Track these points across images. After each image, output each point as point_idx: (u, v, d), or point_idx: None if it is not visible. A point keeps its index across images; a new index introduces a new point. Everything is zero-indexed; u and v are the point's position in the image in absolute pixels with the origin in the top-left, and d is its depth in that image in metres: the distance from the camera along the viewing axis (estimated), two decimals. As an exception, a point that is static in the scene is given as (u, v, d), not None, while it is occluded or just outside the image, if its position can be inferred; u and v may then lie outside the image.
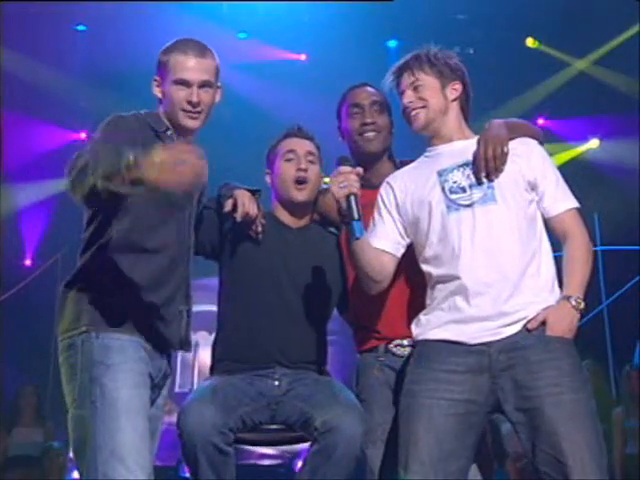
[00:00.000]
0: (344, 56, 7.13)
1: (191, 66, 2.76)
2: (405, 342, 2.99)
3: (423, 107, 2.86)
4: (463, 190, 2.78)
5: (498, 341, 2.67)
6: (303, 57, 8.09)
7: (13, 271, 7.76)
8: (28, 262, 8.15)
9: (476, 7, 7.21)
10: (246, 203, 3.01)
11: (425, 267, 2.83)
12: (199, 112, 2.78)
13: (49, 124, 6.42)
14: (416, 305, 2.92)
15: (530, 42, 7.73)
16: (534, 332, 2.65)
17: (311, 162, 3.16)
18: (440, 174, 2.82)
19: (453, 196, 2.79)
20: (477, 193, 2.76)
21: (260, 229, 3.08)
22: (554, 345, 2.64)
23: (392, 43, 7.99)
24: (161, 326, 2.71)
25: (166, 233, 2.71)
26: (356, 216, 2.65)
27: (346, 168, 2.73)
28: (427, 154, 2.93)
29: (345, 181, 2.70)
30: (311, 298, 3.10)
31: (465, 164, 2.81)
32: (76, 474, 2.71)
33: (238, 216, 3.00)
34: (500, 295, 2.68)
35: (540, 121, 7.98)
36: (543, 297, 2.70)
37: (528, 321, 2.65)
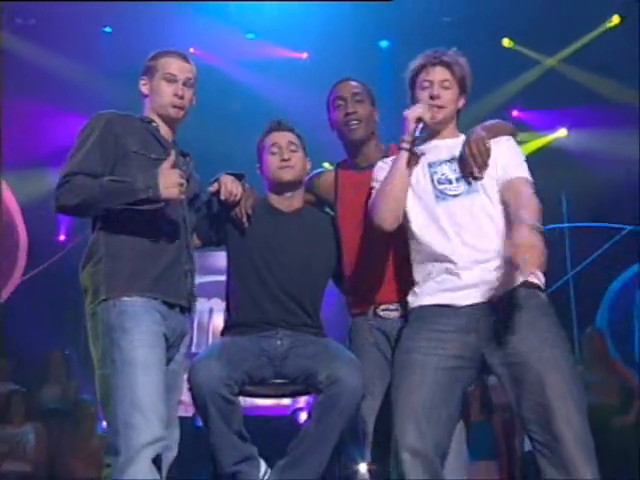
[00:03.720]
0: (341, 54, 7.08)
1: (177, 65, 2.91)
2: (392, 306, 3.01)
3: (441, 107, 2.86)
4: (450, 182, 2.80)
5: (483, 304, 2.69)
6: (305, 55, 8.05)
7: (48, 246, 7.76)
8: (62, 237, 8.14)
9: (459, 10, 7.18)
10: (229, 184, 3.04)
11: (415, 246, 2.84)
12: (183, 105, 2.88)
13: (76, 114, 6.38)
14: (401, 274, 2.96)
15: (506, 42, 7.70)
16: (516, 297, 2.66)
17: (293, 151, 3.15)
18: (430, 166, 2.84)
19: (441, 187, 2.81)
20: (463, 185, 2.78)
21: (247, 210, 3.08)
22: (533, 309, 2.66)
23: (384, 43, 7.95)
24: (170, 285, 2.73)
25: (158, 210, 2.73)
26: (417, 133, 2.72)
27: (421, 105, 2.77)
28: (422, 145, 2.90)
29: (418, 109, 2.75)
30: (306, 271, 3.10)
31: (452, 159, 2.83)
32: (105, 422, 2.73)
33: (222, 195, 3.03)
34: (485, 267, 2.70)
35: (514, 112, 7.99)
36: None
37: (510, 286, 2.66)
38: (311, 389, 2.98)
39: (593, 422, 5.25)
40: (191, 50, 7.41)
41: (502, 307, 2.67)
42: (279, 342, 3.02)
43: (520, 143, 3.02)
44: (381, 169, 2.93)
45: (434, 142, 2.90)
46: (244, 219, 3.09)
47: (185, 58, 2.94)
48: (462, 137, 2.88)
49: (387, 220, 2.78)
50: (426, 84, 2.85)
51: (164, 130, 2.89)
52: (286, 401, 7.06)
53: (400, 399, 2.68)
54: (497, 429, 6.23)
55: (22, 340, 6.77)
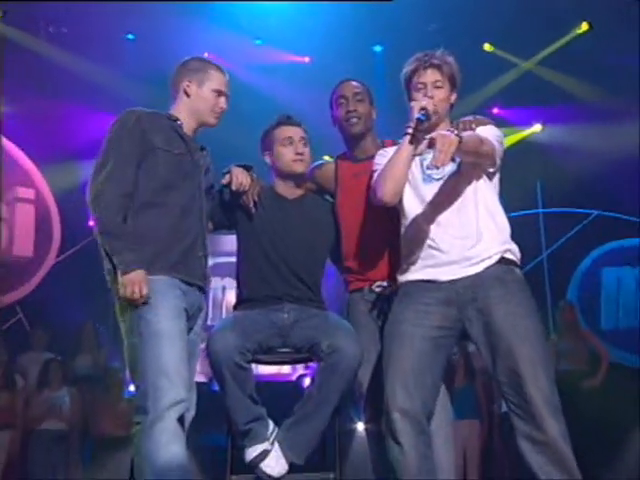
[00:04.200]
0: (340, 58, 7.06)
1: (225, 82, 2.92)
2: (384, 283, 3.01)
3: (436, 105, 2.82)
4: (437, 167, 2.76)
5: (463, 279, 2.69)
6: (307, 59, 8.02)
7: (81, 230, 7.75)
8: (91, 223, 8.10)
9: (444, 18, 7.13)
10: (239, 176, 3.02)
11: (404, 224, 2.83)
12: (222, 115, 2.92)
13: (103, 113, 6.37)
14: (392, 255, 2.97)
15: (487, 47, 7.66)
16: (493, 272, 2.67)
17: (304, 145, 3.12)
18: (421, 153, 2.80)
19: (428, 171, 2.80)
20: (447, 168, 2.75)
21: (254, 197, 3.06)
22: (509, 284, 2.67)
23: (378, 48, 7.91)
24: (188, 267, 2.74)
25: (180, 194, 2.76)
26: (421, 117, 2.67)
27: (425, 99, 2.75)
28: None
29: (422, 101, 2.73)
30: (307, 251, 3.10)
31: None
32: (132, 387, 2.74)
33: (233, 186, 3.01)
34: (465, 245, 2.70)
35: (495, 110, 7.94)
36: (499, 243, 2.72)
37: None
38: (314, 357, 2.99)
39: (565, 385, 5.36)
40: (205, 54, 7.37)
41: (480, 282, 2.68)
42: (286, 315, 3.02)
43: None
44: (381, 156, 2.92)
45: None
46: (251, 205, 3.07)
47: (227, 74, 2.95)
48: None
49: (388, 194, 2.75)
50: (420, 86, 2.83)
51: (187, 128, 2.87)
52: (286, 369, 7.08)
53: (390, 366, 2.71)
54: (479, 392, 6.26)
55: (58, 314, 6.78)
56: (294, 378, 7.14)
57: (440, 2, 7.16)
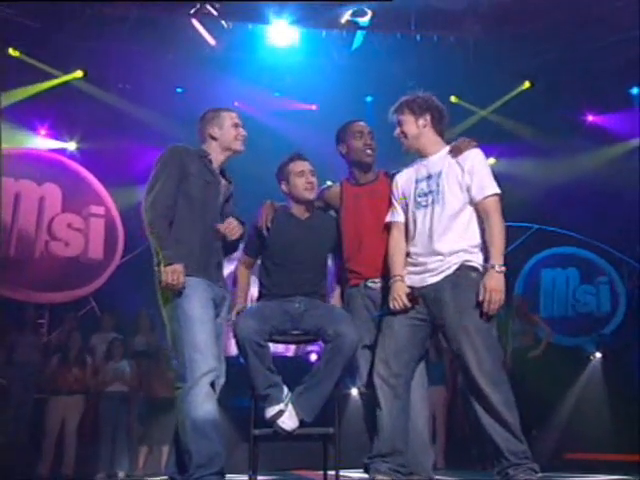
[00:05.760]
0: (339, 106, 7.04)
1: (238, 116, 2.95)
2: (377, 280, 2.95)
3: (405, 137, 2.80)
4: (425, 195, 2.73)
5: (429, 285, 2.67)
6: (314, 107, 8.01)
7: (139, 239, 7.72)
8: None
9: (419, 76, 7.11)
10: (231, 225, 2.84)
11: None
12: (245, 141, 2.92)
13: (155, 148, 6.39)
14: (382, 257, 2.90)
15: (453, 99, 7.65)
16: (451, 278, 2.62)
17: (312, 175, 3.08)
18: (416, 182, 2.78)
19: (419, 199, 2.75)
20: (430, 197, 2.72)
21: (267, 224, 3.03)
22: (462, 286, 2.62)
23: (369, 98, 7.91)
24: (208, 271, 2.73)
25: (205, 213, 2.76)
26: None
27: None
28: (417, 162, 2.84)
29: None
30: (313, 258, 3.07)
31: (430, 176, 2.74)
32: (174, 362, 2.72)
33: (223, 230, 2.84)
34: (431, 260, 2.67)
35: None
36: (460, 256, 2.66)
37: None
38: (319, 339, 2.97)
39: (518, 357, 5.39)
40: (235, 104, 7.40)
41: (440, 287, 2.65)
42: (297, 305, 3.00)
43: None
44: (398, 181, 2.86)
45: (423, 161, 2.81)
46: (264, 231, 3.05)
47: (235, 111, 2.97)
48: (442, 152, 2.77)
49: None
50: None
51: (216, 162, 2.87)
52: (281, 347, 6.93)
53: (377, 346, 2.74)
54: (446, 366, 6.24)
55: (121, 303, 6.77)
56: (290, 354, 7.09)
57: (416, 63, 7.20)
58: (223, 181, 2.89)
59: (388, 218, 2.87)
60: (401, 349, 2.67)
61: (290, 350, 7.02)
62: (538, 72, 7.44)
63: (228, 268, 3.96)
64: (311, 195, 3.07)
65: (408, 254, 2.77)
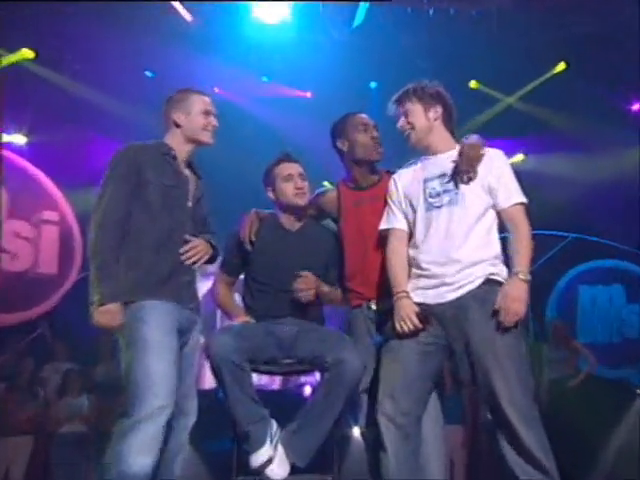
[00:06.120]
0: (339, 93, 7.08)
1: (210, 102, 2.91)
2: (379, 302, 2.97)
3: (412, 129, 2.82)
4: (438, 195, 2.75)
5: (448, 302, 2.67)
6: (309, 94, 8.05)
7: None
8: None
9: (433, 57, 7.17)
10: (198, 247, 2.83)
11: (410, 245, 2.80)
12: (215, 131, 2.89)
13: (122, 141, 6.41)
14: (387, 276, 2.90)
15: (473, 84, 7.69)
16: (475, 294, 2.64)
17: (303, 179, 3.12)
18: (425, 181, 2.79)
19: (431, 199, 2.76)
20: (446, 197, 2.73)
21: (252, 238, 3.07)
22: (489, 304, 2.63)
23: (373, 84, 7.95)
24: (174, 291, 2.71)
25: (168, 224, 2.73)
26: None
27: None
28: (422, 160, 2.86)
29: None
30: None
31: (443, 174, 2.77)
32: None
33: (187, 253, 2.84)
34: (449, 271, 2.68)
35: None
36: (483, 268, 2.68)
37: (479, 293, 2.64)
38: (316, 368, 2.97)
39: (555, 390, 5.36)
40: (215, 90, 7.44)
41: (462, 304, 2.65)
42: (287, 327, 3.01)
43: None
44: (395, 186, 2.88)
45: (430, 159, 2.83)
46: (247, 245, 3.07)
47: (209, 95, 2.93)
48: (453, 151, 2.80)
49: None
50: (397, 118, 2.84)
51: (181, 156, 2.85)
52: (265, 379, 6.95)
53: (381, 377, 2.71)
54: (465, 400, 6.24)
55: (78, 327, 6.71)
56: (276, 387, 7.10)
57: (429, 42, 7.23)
58: (191, 181, 2.87)
59: (383, 225, 2.88)
60: (411, 381, 2.67)
61: (276, 382, 7.03)
62: (575, 51, 7.45)
63: (205, 285, 3.99)
64: (302, 201, 3.10)
65: (414, 264, 2.77)
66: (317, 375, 3.02)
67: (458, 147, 2.80)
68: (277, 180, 3.12)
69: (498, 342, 2.59)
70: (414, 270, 2.77)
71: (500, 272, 2.71)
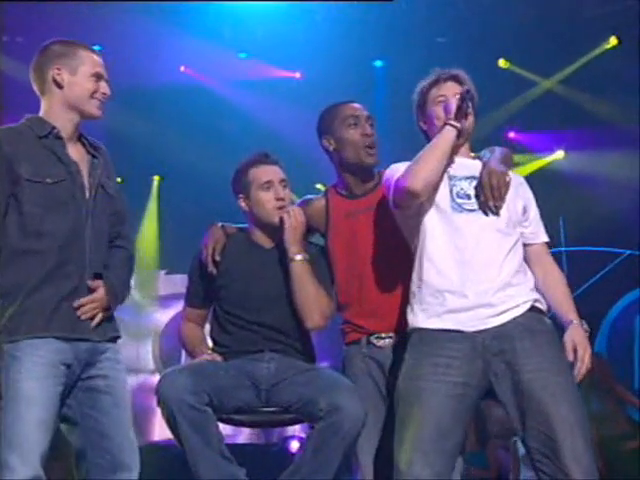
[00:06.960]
0: (335, 74, 7.11)
1: (103, 65, 2.79)
2: (383, 335, 2.98)
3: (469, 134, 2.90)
4: (468, 197, 2.78)
5: (490, 329, 2.67)
6: (298, 75, 8.07)
7: None
8: None
9: (453, 31, 7.21)
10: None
11: (422, 255, 2.78)
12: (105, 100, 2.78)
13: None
14: (394, 302, 2.94)
15: (502, 63, 7.73)
16: (522, 322, 2.68)
17: (284, 187, 3.11)
18: (450, 178, 2.81)
19: (459, 200, 2.78)
20: (479, 202, 2.78)
21: (215, 257, 3.07)
22: (539, 335, 2.67)
23: (378, 63, 7.98)
24: (66, 321, 2.60)
25: (56, 234, 2.59)
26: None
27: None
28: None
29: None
30: (286, 303, 3.06)
31: (472, 177, 2.81)
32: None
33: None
34: (491, 290, 2.69)
35: (511, 134, 8.00)
36: (528, 290, 2.74)
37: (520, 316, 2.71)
38: (306, 418, 2.93)
39: (605, 450, 5.36)
40: (182, 69, 7.45)
41: (507, 332, 2.66)
42: (266, 365, 3.00)
43: (517, 165, 3.04)
44: (397, 169, 2.85)
45: (455, 158, 2.85)
46: (210, 267, 3.06)
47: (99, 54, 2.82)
48: (477, 161, 2.88)
49: (420, 184, 2.66)
50: (441, 98, 2.84)
51: (66, 130, 2.69)
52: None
53: (407, 429, 2.64)
54: (490, 459, 6.22)
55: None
56: (256, 441, 7.18)
57: (449, 13, 7.27)
58: (86, 163, 2.70)
59: None
60: (446, 433, 2.61)
61: (254, 436, 7.00)
62: (629, 23, 7.50)
63: (165, 313, 3.97)
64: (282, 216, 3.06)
65: (432, 275, 2.74)
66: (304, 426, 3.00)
67: (478, 161, 2.87)
68: (252, 187, 3.10)
69: (553, 380, 2.61)
70: (431, 285, 2.73)
71: (542, 300, 2.77)
